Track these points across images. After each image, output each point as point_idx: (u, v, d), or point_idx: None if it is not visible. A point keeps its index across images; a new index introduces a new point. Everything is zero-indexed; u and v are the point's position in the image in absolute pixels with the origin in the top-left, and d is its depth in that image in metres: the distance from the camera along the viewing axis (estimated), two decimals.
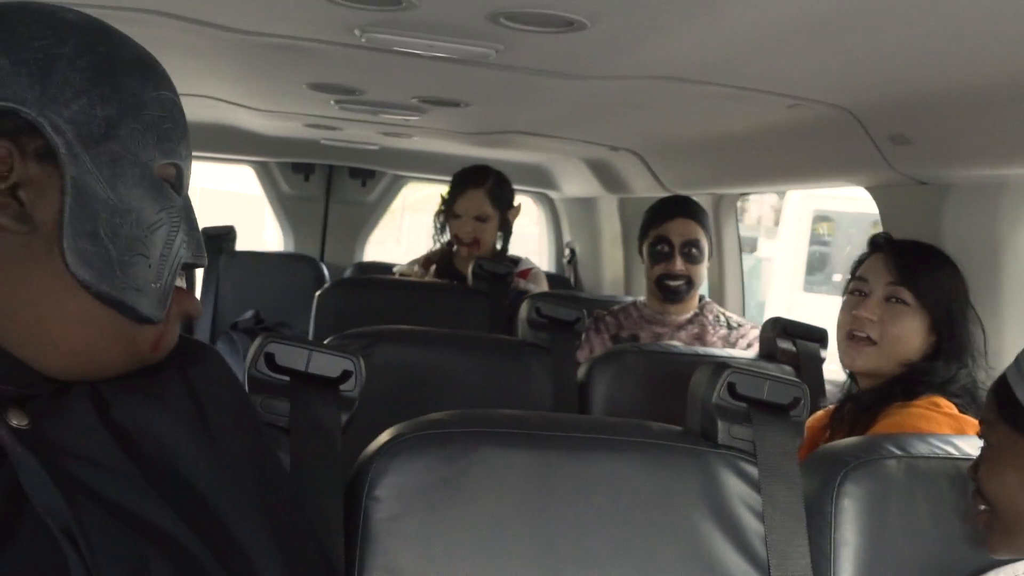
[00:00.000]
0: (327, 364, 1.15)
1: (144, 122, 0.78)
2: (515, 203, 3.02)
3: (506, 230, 3.00)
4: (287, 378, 1.13)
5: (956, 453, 1.26)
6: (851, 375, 1.77)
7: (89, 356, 0.77)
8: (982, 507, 1.13)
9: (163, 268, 0.79)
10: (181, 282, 0.84)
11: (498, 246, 3.01)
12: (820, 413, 1.80)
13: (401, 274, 3.16)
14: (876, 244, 1.77)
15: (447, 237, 3.03)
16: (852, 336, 1.71)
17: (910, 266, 1.69)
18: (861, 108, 1.90)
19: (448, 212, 2.96)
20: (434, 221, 3.08)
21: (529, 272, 3.08)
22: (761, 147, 2.50)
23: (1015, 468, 1.07)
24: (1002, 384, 1.11)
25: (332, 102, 2.77)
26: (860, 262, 1.77)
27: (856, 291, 1.73)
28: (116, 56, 0.78)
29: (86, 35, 0.77)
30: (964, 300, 1.70)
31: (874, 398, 1.67)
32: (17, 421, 0.72)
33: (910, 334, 1.66)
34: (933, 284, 1.68)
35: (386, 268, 3.68)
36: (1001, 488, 1.09)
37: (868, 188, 2.31)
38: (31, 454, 0.69)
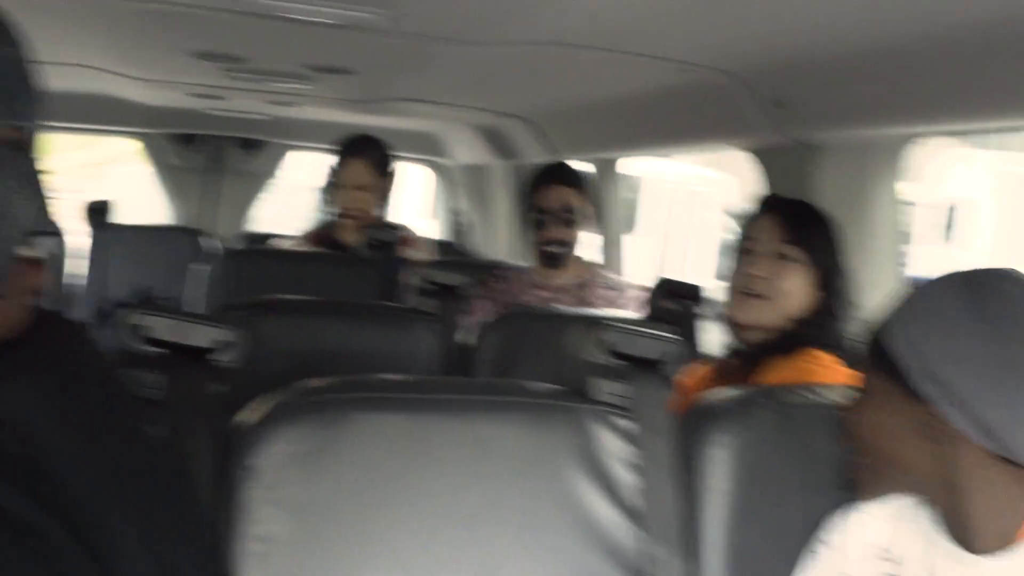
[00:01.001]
0: (202, 334, 1.13)
1: None
2: (390, 169, 3.01)
3: (386, 194, 3.00)
4: (162, 350, 1.11)
5: (826, 401, 1.31)
6: (734, 327, 1.80)
7: None
8: (851, 451, 1.18)
9: None
10: (33, 252, 0.78)
11: (380, 213, 3.01)
12: (702, 368, 1.84)
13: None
14: (766, 204, 1.82)
15: (334, 209, 3.03)
16: (743, 293, 1.75)
17: (800, 225, 1.74)
18: (746, 72, 1.94)
19: (331, 183, 2.97)
20: (322, 194, 3.07)
21: (412, 240, 3.08)
22: (650, 112, 2.54)
23: (887, 413, 1.12)
24: (873, 335, 1.16)
25: (218, 70, 2.71)
26: (750, 221, 1.81)
27: (746, 250, 1.77)
28: None
29: None
30: (844, 257, 1.77)
31: (758, 352, 1.73)
32: None
33: (798, 289, 1.72)
34: (821, 242, 1.74)
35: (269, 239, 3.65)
36: (871, 432, 1.14)
37: (751, 151, 2.36)
38: None
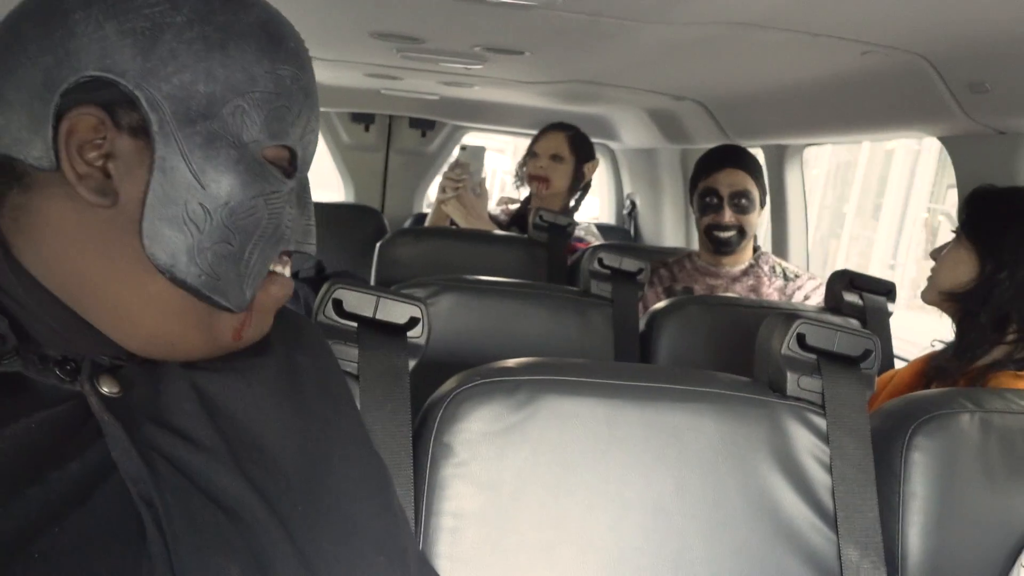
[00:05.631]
0: (394, 310, 1.15)
1: (252, 101, 0.73)
2: (588, 158, 3.07)
3: (579, 181, 3.05)
4: (355, 324, 1.14)
5: None
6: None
7: (166, 340, 0.75)
8: None
9: (251, 257, 0.75)
10: (284, 269, 0.81)
11: (572, 202, 3.06)
12: (914, 362, 1.77)
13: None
14: (979, 194, 1.73)
15: (526, 191, 3.11)
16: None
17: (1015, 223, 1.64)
18: (937, 55, 1.84)
19: (528, 153, 3.06)
20: (516, 170, 3.14)
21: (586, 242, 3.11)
22: (831, 96, 2.44)
23: None
24: None
25: (394, 51, 2.76)
26: (962, 206, 1.75)
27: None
28: (233, 26, 0.73)
29: (206, 1, 0.72)
30: None
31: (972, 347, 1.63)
32: (108, 388, 0.72)
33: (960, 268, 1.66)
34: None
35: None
36: None
37: (941, 138, 2.25)
38: (117, 422, 0.70)
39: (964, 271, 1.66)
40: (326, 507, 0.81)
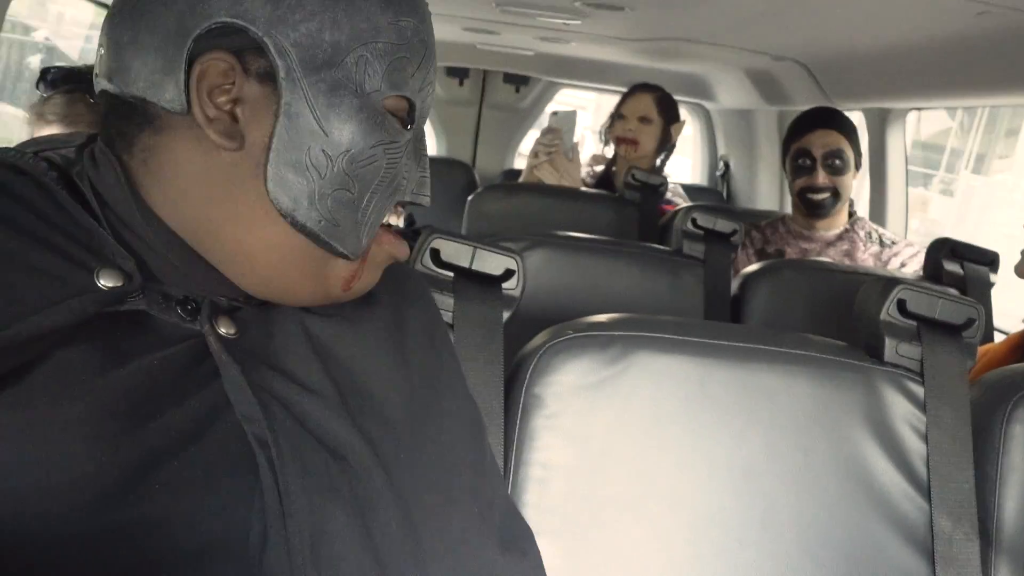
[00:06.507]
0: (491, 262, 1.16)
1: (375, 51, 0.75)
2: (676, 118, 3.04)
3: (667, 144, 3.03)
4: (451, 274, 1.15)
5: None
6: None
7: (280, 284, 0.77)
8: None
9: (368, 205, 0.77)
10: (398, 220, 0.82)
11: (657, 162, 3.04)
12: (1014, 335, 1.72)
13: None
14: None
15: (611, 150, 3.10)
16: None
17: None
18: None
19: (615, 115, 3.03)
20: (601, 130, 3.13)
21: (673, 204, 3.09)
22: (940, 57, 2.36)
23: None
24: None
25: (492, 4, 2.76)
26: None
27: None
28: None
29: None
30: None
31: None
32: (226, 330, 0.74)
33: None
34: None
35: None
36: None
37: None
38: (235, 362, 0.72)
39: None
40: (427, 457, 0.82)
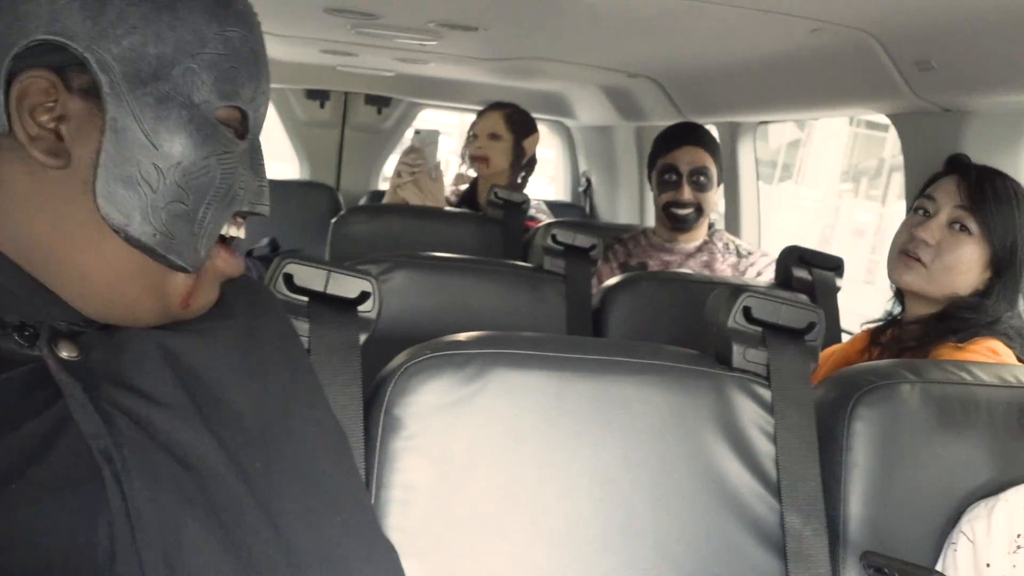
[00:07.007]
0: (346, 285, 1.15)
1: (202, 62, 0.74)
2: (528, 134, 3.09)
3: (521, 157, 3.07)
4: (305, 299, 1.14)
5: (971, 380, 1.27)
6: (898, 293, 1.72)
7: (120, 304, 0.76)
8: None
9: (205, 216, 0.76)
10: (239, 232, 0.82)
11: (519, 179, 3.08)
12: (858, 336, 1.78)
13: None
14: (952, 164, 1.69)
15: (471, 171, 3.15)
16: (904, 254, 1.65)
17: (983, 193, 1.59)
18: (884, 33, 1.87)
19: (468, 135, 3.12)
20: (461, 151, 3.17)
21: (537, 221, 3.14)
22: (781, 73, 2.47)
23: None
24: None
25: (349, 27, 2.75)
26: (932, 180, 1.69)
27: (920, 209, 1.66)
28: None
29: None
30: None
31: (922, 333, 1.61)
32: (68, 353, 0.73)
33: (965, 265, 1.59)
34: (1002, 217, 1.58)
35: None
36: None
37: (889, 115, 2.28)
38: (76, 382, 0.71)
39: (972, 272, 1.60)
40: (286, 464, 0.82)
